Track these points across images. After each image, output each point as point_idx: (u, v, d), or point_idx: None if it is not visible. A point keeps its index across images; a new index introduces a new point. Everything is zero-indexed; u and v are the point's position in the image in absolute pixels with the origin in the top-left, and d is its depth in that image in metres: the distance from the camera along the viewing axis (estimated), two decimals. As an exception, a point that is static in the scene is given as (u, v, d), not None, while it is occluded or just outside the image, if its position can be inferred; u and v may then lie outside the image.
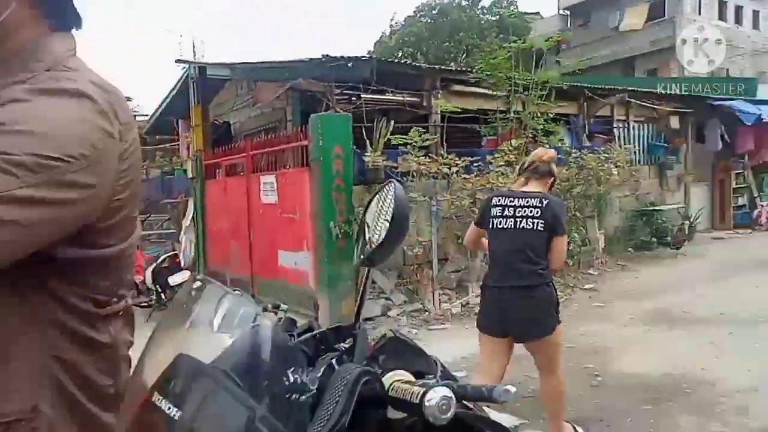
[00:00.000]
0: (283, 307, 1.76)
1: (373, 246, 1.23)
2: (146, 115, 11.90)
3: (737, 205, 12.35)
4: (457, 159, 6.65)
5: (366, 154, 6.42)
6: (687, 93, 11.41)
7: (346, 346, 1.26)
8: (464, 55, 29.19)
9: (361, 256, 1.28)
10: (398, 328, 5.44)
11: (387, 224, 1.17)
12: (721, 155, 12.00)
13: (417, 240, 6.47)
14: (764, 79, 24.64)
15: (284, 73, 7.03)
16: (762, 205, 11.84)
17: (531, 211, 2.89)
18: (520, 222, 2.90)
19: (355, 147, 6.18)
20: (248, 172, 7.24)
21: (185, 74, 8.64)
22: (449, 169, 6.55)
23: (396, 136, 6.62)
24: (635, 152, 9.88)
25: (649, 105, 10.55)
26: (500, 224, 2.95)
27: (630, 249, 9.75)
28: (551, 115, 8.22)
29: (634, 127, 10.45)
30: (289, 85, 7.11)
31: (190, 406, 0.79)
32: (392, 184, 1.22)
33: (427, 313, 6.24)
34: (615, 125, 10.09)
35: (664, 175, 10.97)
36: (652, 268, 8.45)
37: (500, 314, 2.92)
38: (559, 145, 8.32)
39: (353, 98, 6.80)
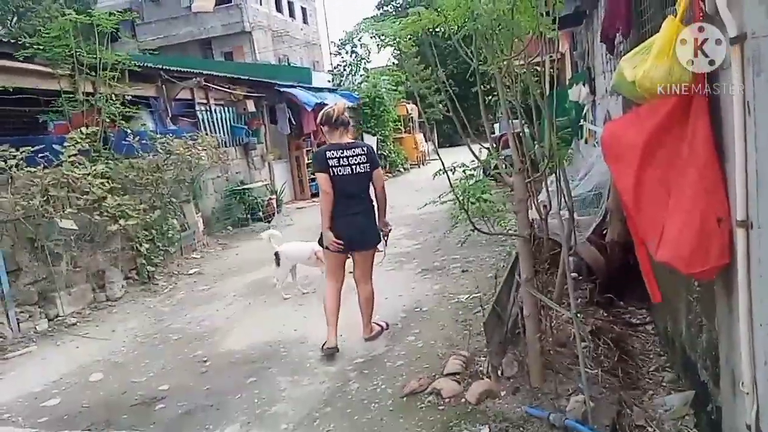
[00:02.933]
0: None
1: None
2: None
3: (312, 177, 14.45)
4: (14, 150, 5.50)
5: None
6: (257, 78, 12.44)
7: None
8: (14, 19, 24.39)
9: None
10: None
11: None
12: (292, 136, 13.76)
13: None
14: (318, 68, 29.35)
15: None
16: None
17: (359, 159, 3.98)
18: (355, 168, 3.96)
19: None
20: None
21: None
22: (5, 162, 5.38)
23: None
24: (221, 136, 10.26)
25: (226, 89, 11.07)
26: (340, 172, 3.94)
27: (229, 227, 10.24)
28: (129, 98, 7.68)
29: (215, 110, 10.82)
30: None
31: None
32: None
33: (1, 339, 5.08)
34: (197, 108, 10.21)
35: (249, 155, 11.83)
36: (250, 243, 9.05)
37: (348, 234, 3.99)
38: (142, 129, 7.91)
39: None
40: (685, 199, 1.88)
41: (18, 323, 5.23)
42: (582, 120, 6.91)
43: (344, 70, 21.21)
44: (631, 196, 2.09)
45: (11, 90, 6.10)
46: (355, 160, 3.97)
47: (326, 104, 13.83)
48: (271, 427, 3.16)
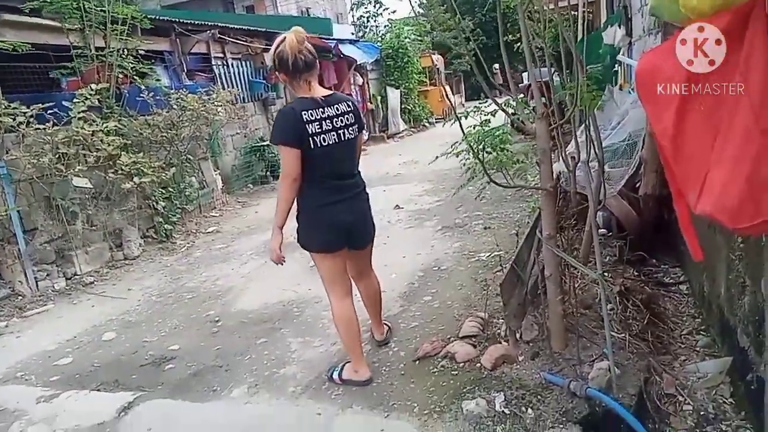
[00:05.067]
0: None
1: None
2: None
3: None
4: (24, 107, 5.39)
5: None
6: (274, 30, 12.03)
7: None
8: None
9: None
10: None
11: None
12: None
13: (-11, 213, 5.14)
14: (342, 20, 28.56)
15: None
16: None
17: (346, 118, 2.72)
18: (343, 133, 2.70)
19: None
20: None
21: None
22: (14, 119, 5.28)
23: None
24: (239, 91, 9.99)
25: (243, 42, 10.74)
26: (324, 141, 2.63)
27: (249, 185, 10.14)
28: (142, 53, 7.47)
29: (232, 65, 10.54)
30: None
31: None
32: None
33: (20, 297, 5.13)
34: (214, 63, 9.96)
35: (268, 110, 11.59)
36: (269, 200, 8.95)
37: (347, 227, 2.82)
38: (157, 85, 7.74)
39: None
40: (735, 141, 1.58)
41: (36, 282, 5.25)
42: (617, 65, 6.41)
43: (367, 21, 20.51)
44: (670, 139, 1.78)
45: (21, 51, 5.90)
46: (342, 120, 2.69)
47: (348, 57, 13.36)
48: (278, 389, 3.04)
